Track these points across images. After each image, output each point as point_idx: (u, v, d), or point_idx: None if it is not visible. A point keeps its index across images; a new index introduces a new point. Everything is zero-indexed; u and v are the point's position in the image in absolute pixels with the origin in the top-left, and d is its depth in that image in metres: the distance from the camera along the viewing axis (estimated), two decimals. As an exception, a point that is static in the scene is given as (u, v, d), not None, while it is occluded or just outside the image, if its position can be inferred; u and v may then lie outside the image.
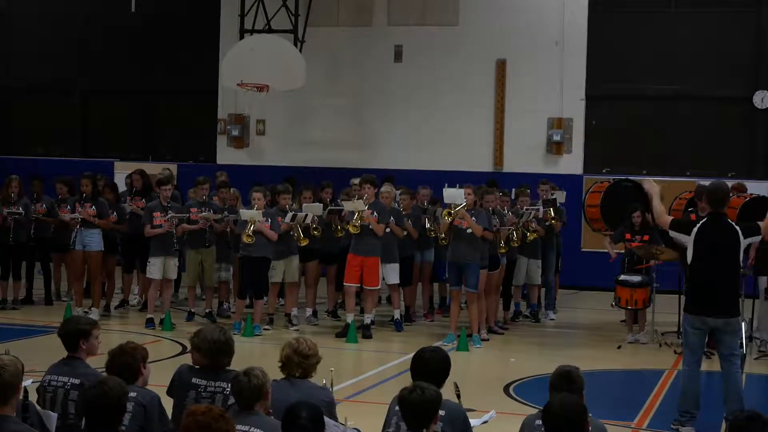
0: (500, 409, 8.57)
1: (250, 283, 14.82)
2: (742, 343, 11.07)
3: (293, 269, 15.27)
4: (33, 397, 6.61)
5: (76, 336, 6.91)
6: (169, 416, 6.63)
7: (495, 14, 22.29)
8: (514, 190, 16.56)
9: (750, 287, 14.31)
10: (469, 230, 13.99)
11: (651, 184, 10.48)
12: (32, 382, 6.86)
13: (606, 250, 15.46)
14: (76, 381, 6.65)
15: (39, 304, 16.95)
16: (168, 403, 6.79)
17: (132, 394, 6.18)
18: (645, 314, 15.02)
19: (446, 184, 14.72)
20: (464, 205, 13.90)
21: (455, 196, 14.01)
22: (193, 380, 6.74)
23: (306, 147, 23.12)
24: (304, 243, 15.01)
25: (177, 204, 15.63)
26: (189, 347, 7.00)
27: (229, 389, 6.57)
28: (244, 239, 14.25)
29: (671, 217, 10.48)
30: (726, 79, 21.60)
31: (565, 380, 6.20)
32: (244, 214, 14.41)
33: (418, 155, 22.24)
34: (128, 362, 6.45)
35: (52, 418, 6.36)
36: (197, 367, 6.84)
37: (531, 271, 16.40)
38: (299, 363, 6.70)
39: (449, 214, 13.91)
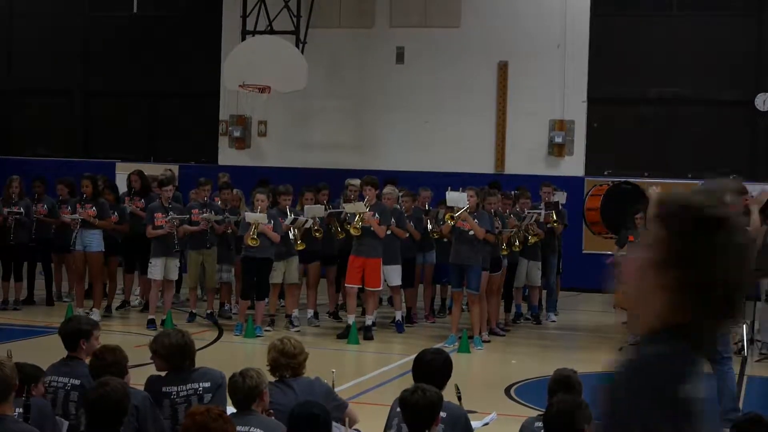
0: (501, 411, 8.58)
1: (254, 284, 14.82)
2: (742, 346, 11.07)
3: (293, 270, 15.26)
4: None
5: (77, 336, 6.91)
6: None
7: (496, 16, 22.29)
8: (514, 192, 16.53)
9: (751, 290, 14.30)
10: (471, 232, 13.99)
11: (653, 191, 10.45)
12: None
13: (610, 253, 15.49)
14: (77, 382, 6.65)
15: (40, 305, 16.95)
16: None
17: None
18: (646, 316, 14.98)
19: (449, 188, 14.72)
20: (466, 208, 13.91)
21: (458, 199, 14.01)
22: (164, 389, 6.59)
23: (307, 148, 23.13)
24: (300, 247, 15.02)
25: (178, 205, 15.64)
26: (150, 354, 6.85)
27: (201, 388, 6.56)
28: (249, 242, 14.23)
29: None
30: (727, 81, 21.60)
31: (564, 385, 6.20)
32: (249, 216, 14.37)
33: (420, 157, 22.23)
34: (117, 360, 6.42)
35: (64, 425, 6.36)
36: (163, 374, 6.71)
37: (531, 273, 16.38)
38: (287, 364, 6.72)
39: (452, 218, 13.92)
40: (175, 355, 6.63)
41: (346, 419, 6.78)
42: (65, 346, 6.95)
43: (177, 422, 6.42)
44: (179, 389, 6.57)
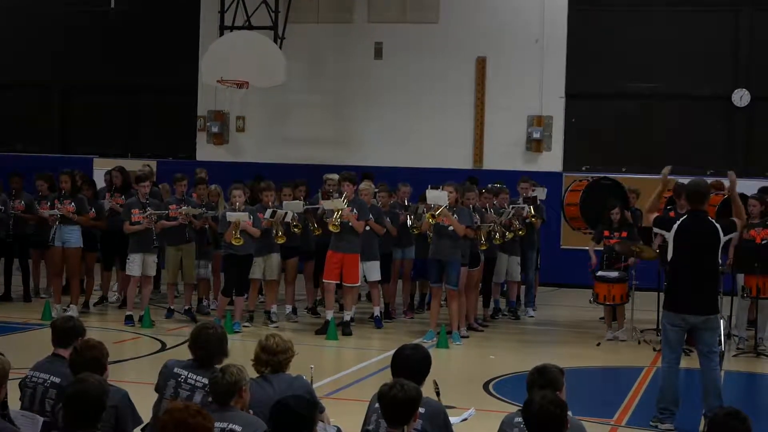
0: (480, 407, 8.60)
1: (236, 280, 14.79)
2: (720, 341, 11.12)
3: (273, 266, 15.24)
4: (17, 393, 6.62)
5: (68, 335, 6.92)
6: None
7: (475, 12, 22.31)
8: (490, 186, 16.53)
9: (728, 285, 14.36)
10: (450, 228, 14.00)
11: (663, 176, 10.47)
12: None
13: (587, 248, 15.52)
14: (56, 380, 6.63)
15: (18, 301, 16.88)
16: (145, 400, 6.80)
17: None
18: (624, 311, 15.05)
19: (429, 186, 14.72)
20: (446, 206, 13.90)
21: (438, 197, 14.00)
22: (176, 370, 6.74)
23: (286, 144, 23.10)
24: (281, 240, 15.00)
25: (156, 201, 15.59)
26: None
27: (201, 384, 6.62)
28: (233, 242, 14.21)
29: (655, 214, 10.53)
30: (705, 77, 21.68)
31: (540, 375, 6.19)
32: (230, 216, 14.33)
33: (398, 152, 22.23)
34: (96, 356, 6.39)
35: (38, 421, 6.32)
36: (187, 360, 6.83)
37: (511, 268, 16.41)
38: (267, 360, 6.73)
39: (433, 216, 13.92)
40: (208, 350, 6.75)
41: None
42: (53, 342, 6.96)
43: None
44: (188, 375, 6.69)
